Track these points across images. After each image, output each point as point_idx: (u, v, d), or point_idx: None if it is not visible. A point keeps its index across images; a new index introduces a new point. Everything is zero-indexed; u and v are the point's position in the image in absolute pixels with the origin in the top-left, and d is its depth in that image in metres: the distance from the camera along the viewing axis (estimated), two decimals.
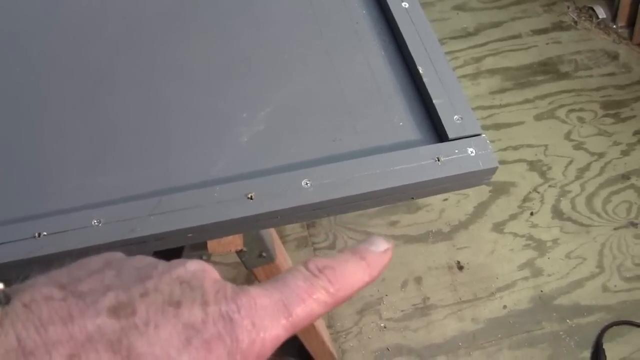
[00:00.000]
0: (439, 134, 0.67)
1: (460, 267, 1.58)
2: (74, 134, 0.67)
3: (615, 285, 1.61)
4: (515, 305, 1.55)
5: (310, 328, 1.12)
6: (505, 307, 1.54)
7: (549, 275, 1.61)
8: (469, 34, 2.16)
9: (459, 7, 2.26)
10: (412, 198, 0.67)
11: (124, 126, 0.68)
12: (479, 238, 1.64)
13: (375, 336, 1.46)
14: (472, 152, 0.65)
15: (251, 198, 0.60)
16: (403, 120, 0.68)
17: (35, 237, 0.58)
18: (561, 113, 1.93)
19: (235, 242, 0.76)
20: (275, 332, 0.33)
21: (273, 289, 0.35)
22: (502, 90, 1.98)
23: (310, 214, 0.62)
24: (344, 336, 1.45)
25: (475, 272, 1.58)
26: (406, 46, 0.72)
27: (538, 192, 1.75)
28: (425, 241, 1.61)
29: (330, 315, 1.46)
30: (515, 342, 1.49)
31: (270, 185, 0.61)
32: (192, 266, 0.35)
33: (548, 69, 2.04)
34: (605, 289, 1.61)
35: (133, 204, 0.60)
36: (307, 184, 0.61)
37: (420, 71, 0.70)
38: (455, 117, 0.67)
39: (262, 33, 0.76)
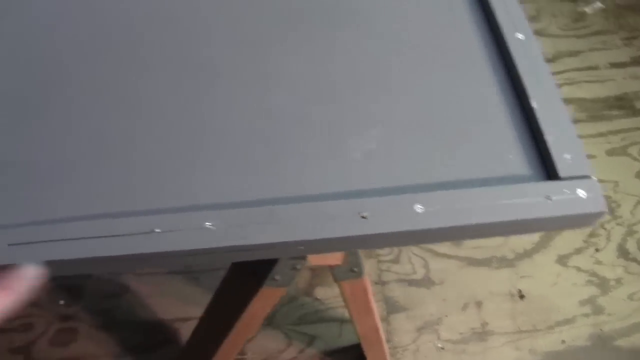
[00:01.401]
0: (547, 171, 0.67)
1: (522, 296, 1.58)
2: (190, 133, 0.68)
3: None
4: (574, 341, 1.53)
5: (377, 343, 1.13)
6: (563, 342, 1.53)
7: (609, 314, 1.59)
8: (547, 60, 2.14)
9: (538, 32, 2.24)
10: (519, 233, 0.67)
11: (238, 131, 0.69)
12: (543, 268, 1.63)
13: (432, 356, 1.46)
14: (582, 193, 0.65)
15: (365, 217, 0.61)
16: (512, 153, 0.69)
17: (149, 232, 0.60)
18: (633, 150, 1.90)
19: (336, 256, 0.78)
20: None
21: None
22: (575, 121, 1.96)
23: (419, 238, 0.63)
24: (400, 352, 1.45)
25: (536, 302, 1.57)
26: (519, 79, 0.73)
27: (605, 229, 1.73)
28: (489, 266, 1.61)
29: (388, 329, 1.47)
30: None
31: (383, 206, 0.61)
32: None
33: (623, 104, 2.01)
34: None
35: (246, 211, 0.61)
36: (420, 208, 0.62)
37: (534, 106, 0.70)
38: (566, 155, 0.67)
39: (376, 50, 0.76)
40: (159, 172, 0.65)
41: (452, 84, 0.74)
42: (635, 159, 1.88)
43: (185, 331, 1.43)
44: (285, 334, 1.44)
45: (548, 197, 0.64)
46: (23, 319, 1.47)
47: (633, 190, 1.82)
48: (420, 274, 1.56)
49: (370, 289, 0.93)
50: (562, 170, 0.66)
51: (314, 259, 0.75)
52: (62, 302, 1.49)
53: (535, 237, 1.68)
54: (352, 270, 0.84)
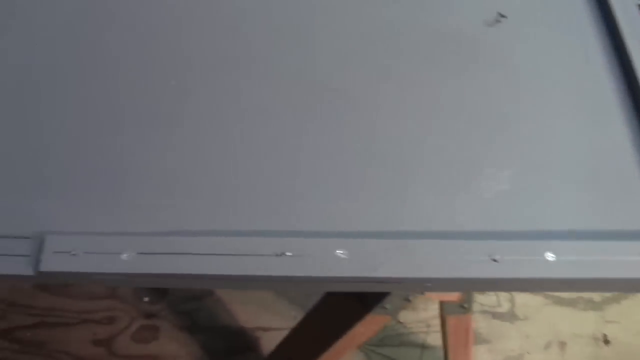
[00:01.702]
0: None
1: (607, 342, 1.54)
2: (326, 157, 0.69)
3: None
4: None
5: None
6: None
7: None
8: None
9: None
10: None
11: (373, 159, 0.69)
12: (630, 315, 1.59)
13: None
14: None
15: (496, 260, 0.61)
16: None
17: (278, 255, 0.60)
18: None
19: (454, 294, 0.78)
20: None
21: None
22: None
23: (548, 286, 0.63)
24: None
25: (622, 349, 1.53)
26: None
27: None
28: (575, 306, 1.58)
29: None
30: None
31: (515, 250, 0.61)
32: None
33: None
34: None
35: (378, 242, 0.61)
36: (551, 257, 0.61)
37: None
38: None
39: (512, 90, 0.76)
40: (293, 194, 0.66)
41: (587, 130, 0.73)
42: None
43: (267, 340, 1.44)
44: (365, 354, 1.44)
45: None
46: (107, 312, 1.51)
47: None
48: (505, 307, 1.54)
49: (472, 325, 0.92)
50: None
51: (430, 293, 0.75)
52: (146, 299, 1.52)
53: None
54: (462, 307, 0.84)
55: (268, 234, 0.62)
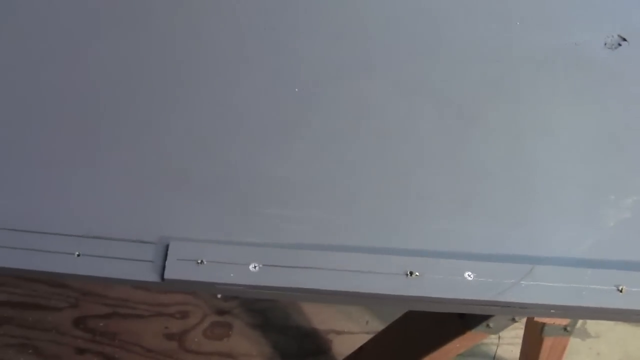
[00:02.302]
0: None
1: None
2: (442, 174, 0.70)
3: None
4: None
5: None
6: None
7: None
8: None
9: None
10: None
11: (490, 175, 0.70)
12: None
13: None
14: None
15: (621, 291, 0.61)
16: None
17: (405, 275, 0.61)
18: None
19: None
20: None
21: None
22: None
23: None
24: None
25: None
26: None
27: None
28: None
29: None
30: None
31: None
32: None
33: None
34: None
35: (505, 266, 0.62)
36: None
37: None
38: None
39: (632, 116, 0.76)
40: (418, 213, 0.67)
41: None
42: None
43: (339, 344, 1.46)
44: None
45: None
46: (180, 305, 1.53)
47: None
48: (577, 323, 1.54)
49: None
50: None
51: (541, 317, 0.76)
52: (219, 295, 1.54)
53: None
54: (566, 329, 0.84)
55: (395, 252, 0.63)
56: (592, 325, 1.54)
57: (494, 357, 1.47)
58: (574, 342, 1.51)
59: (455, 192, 0.69)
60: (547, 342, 0.90)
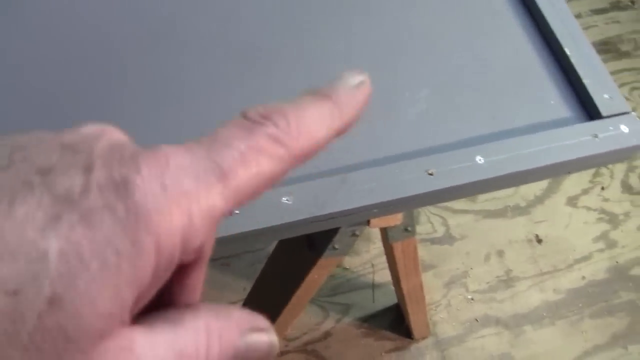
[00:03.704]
0: (589, 112, 0.72)
1: (539, 240, 1.63)
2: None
3: None
4: (593, 276, 1.60)
5: (421, 299, 1.18)
6: (583, 277, 1.59)
7: (622, 247, 1.65)
8: None
9: None
10: (569, 172, 0.72)
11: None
12: (555, 212, 1.68)
13: (464, 308, 1.51)
14: (624, 129, 0.69)
15: (432, 174, 0.65)
16: (554, 99, 0.73)
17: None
18: (624, 91, 1.96)
19: (396, 217, 0.81)
20: (205, 200, 0.22)
21: (197, 145, 0.24)
22: None
23: (483, 188, 0.67)
24: (434, 308, 1.50)
25: (553, 244, 1.63)
26: (550, 28, 0.76)
27: (607, 168, 1.78)
28: (504, 216, 1.66)
29: None
30: (595, 311, 1.54)
31: (447, 161, 0.65)
32: (87, 129, 0.24)
33: (609, 48, 2.06)
34: None
35: (320, 182, 0.64)
36: (480, 160, 0.66)
37: (568, 52, 0.74)
38: (605, 95, 0.71)
39: (408, 17, 0.79)
40: None
41: (487, 41, 0.77)
42: (627, 98, 1.94)
43: None
44: (320, 306, 1.48)
45: (595, 136, 0.68)
46: None
47: None
48: (440, 232, 1.61)
49: (417, 246, 0.97)
50: (604, 110, 0.70)
51: (375, 222, 0.78)
52: None
53: (543, 183, 1.73)
54: (406, 230, 0.88)
55: None
56: (455, 229, 1.62)
57: (373, 284, 1.52)
58: (442, 249, 1.59)
59: None
60: (397, 248, 0.94)
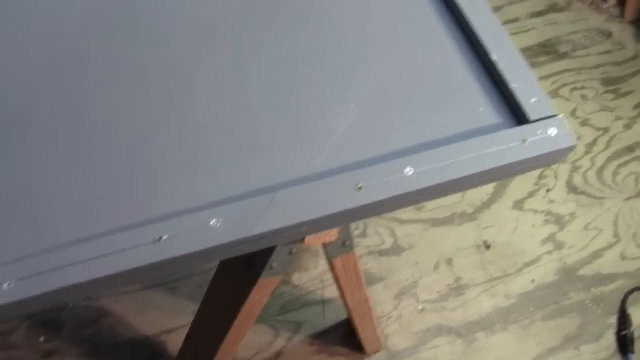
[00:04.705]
0: (517, 116, 0.72)
1: (487, 246, 1.63)
2: (170, 137, 0.69)
3: (632, 253, 1.67)
4: (543, 279, 1.60)
5: (367, 313, 1.16)
6: (533, 281, 1.60)
7: (570, 247, 1.66)
8: None
9: None
10: (501, 178, 0.71)
11: (223, 126, 0.69)
12: (502, 216, 1.69)
13: (415, 318, 1.50)
14: (552, 132, 0.69)
15: (360, 188, 0.64)
16: (483, 106, 0.73)
17: (155, 241, 0.61)
18: (565, 92, 1.98)
19: (331, 233, 0.80)
20: None
21: None
22: None
23: (414, 199, 0.66)
24: (385, 321, 1.49)
25: (502, 249, 1.63)
26: (476, 35, 0.76)
27: (552, 169, 1.80)
28: (452, 223, 1.66)
29: None
30: (546, 313, 1.55)
31: (376, 174, 0.64)
32: None
33: (548, 49, 2.09)
34: (623, 257, 1.67)
35: (248, 202, 0.63)
36: (410, 171, 0.65)
37: (494, 58, 0.74)
38: (533, 99, 0.71)
39: (334, 31, 0.79)
40: (155, 179, 0.66)
41: (415, 51, 0.77)
42: (567, 99, 1.97)
43: (173, 342, 1.43)
44: (271, 325, 1.46)
45: (524, 140, 0.68)
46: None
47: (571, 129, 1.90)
48: (388, 243, 1.60)
49: (358, 261, 0.96)
50: (531, 114, 0.70)
51: (310, 239, 0.77)
52: (42, 338, 1.47)
53: (489, 187, 1.74)
54: (344, 245, 0.86)
55: (141, 224, 0.62)
56: (403, 239, 1.61)
57: (322, 300, 1.50)
58: (391, 260, 1.58)
59: (191, 150, 0.68)
60: (337, 263, 0.92)
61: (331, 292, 1.50)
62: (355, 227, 1.62)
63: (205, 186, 0.66)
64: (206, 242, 0.61)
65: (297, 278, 1.53)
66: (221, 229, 0.61)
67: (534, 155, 0.68)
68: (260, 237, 0.62)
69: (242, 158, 0.68)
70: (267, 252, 0.81)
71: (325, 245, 0.86)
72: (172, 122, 0.70)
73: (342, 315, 1.47)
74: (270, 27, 0.78)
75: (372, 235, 1.61)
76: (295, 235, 0.65)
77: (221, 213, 0.62)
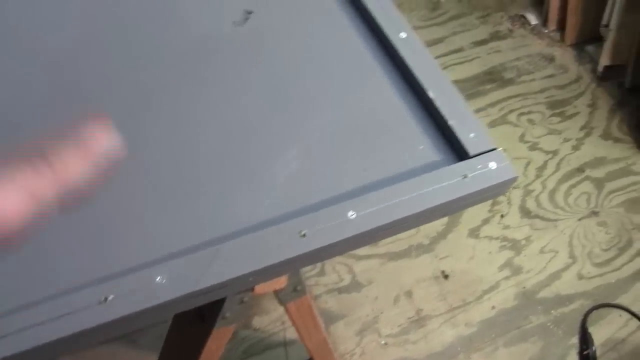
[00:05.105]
0: (458, 152, 0.72)
1: (446, 276, 1.64)
2: (109, 196, 0.68)
3: (588, 272, 1.70)
4: (503, 304, 1.61)
5: (329, 354, 1.15)
6: (493, 307, 1.60)
7: (527, 271, 1.68)
8: None
9: None
10: (447, 214, 0.71)
11: (164, 180, 0.69)
12: (458, 246, 1.70)
13: (378, 354, 1.50)
14: (493, 165, 0.70)
15: (304, 235, 0.63)
16: (423, 144, 0.73)
17: (101, 302, 0.59)
18: (512, 118, 2.02)
19: (280, 280, 0.79)
20: None
21: None
22: None
23: (359, 242, 0.66)
24: (348, 358, 1.48)
25: (460, 278, 1.64)
26: (412, 74, 0.77)
27: (505, 195, 1.82)
28: (409, 256, 1.66)
29: (331, 340, 1.49)
30: (509, 339, 1.55)
31: (318, 220, 0.64)
32: None
33: (493, 77, 2.13)
34: (580, 276, 1.69)
35: (192, 257, 0.62)
36: (352, 215, 0.65)
37: (431, 95, 0.74)
38: (471, 134, 0.72)
39: (270, 80, 0.79)
40: (100, 239, 0.65)
41: (351, 94, 0.77)
42: (515, 125, 2.00)
43: None
44: None
45: (465, 176, 0.68)
46: None
47: (520, 154, 1.93)
48: (347, 280, 1.60)
49: (313, 304, 0.95)
50: (470, 149, 0.71)
51: (260, 288, 0.76)
52: None
53: (444, 218, 1.75)
54: (296, 290, 0.86)
55: (86, 286, 0.61)
56: (361, 275, 1.61)
57: (284, 341, 1.49)
58: (351, 297, 1.58)
59: (136, 206, 0.67)
60: (292, 308, 0.92)
61: (293, 333, 1.49)
62: (313, 267, 1.61)
63: (150, 243, 0.65)
64: (153, 299, 0.59)
65: (258, 321, 1.51)
66: (167, 285, 0.60)
67: (476, 190, 0.68)
68: (208, 290, 0.61)
69: (185, 211, 0.67)
70: (219, 303, 0.80)
71: (277, 292, 0.86)
72: (112, 181, 0.69)
73: (305, 356, 1.46)
74: (207, 80, 0.78)
75: (330, 273, 1.60)
76: (244, 285, 0.64)
77: (166, 269, 0.61)
